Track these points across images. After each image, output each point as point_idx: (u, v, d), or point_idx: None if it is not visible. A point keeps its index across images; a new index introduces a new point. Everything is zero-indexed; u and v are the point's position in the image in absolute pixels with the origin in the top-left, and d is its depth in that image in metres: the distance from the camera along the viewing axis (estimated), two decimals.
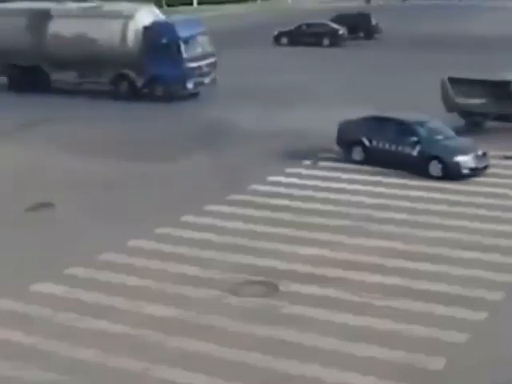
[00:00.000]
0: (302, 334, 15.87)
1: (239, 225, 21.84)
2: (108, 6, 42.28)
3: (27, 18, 41.47)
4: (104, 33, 39.14)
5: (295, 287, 17.97)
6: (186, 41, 38.49)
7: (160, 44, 38.17)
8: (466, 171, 25.30)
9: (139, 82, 39.27)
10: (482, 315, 16.53)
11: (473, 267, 18.60)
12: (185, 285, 18.20)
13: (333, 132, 28.06)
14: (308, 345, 15.46)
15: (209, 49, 39.74)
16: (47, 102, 38.67)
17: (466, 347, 15.39)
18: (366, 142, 27.12)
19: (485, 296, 17.29)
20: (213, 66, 39.46)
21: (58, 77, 40.95)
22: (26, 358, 15.28)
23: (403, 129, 26.50)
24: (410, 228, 21.28)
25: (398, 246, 20.10)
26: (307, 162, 27.73)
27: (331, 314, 16.64)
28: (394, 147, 26.43)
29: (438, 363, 14.79)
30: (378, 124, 27.28)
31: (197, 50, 39.01)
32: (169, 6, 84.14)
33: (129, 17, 39.27)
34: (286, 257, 19.53)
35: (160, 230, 21.58)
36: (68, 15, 41.32)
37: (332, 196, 24.12)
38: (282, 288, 17.95)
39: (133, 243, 20.76)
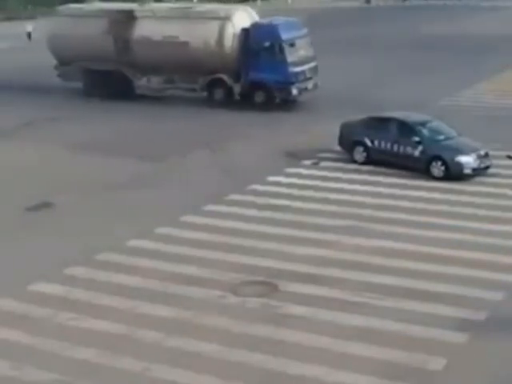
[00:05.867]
0: (302, 333, 15.86)
1: (239, 225, 21.83)
2: (201, 7, 39.80)
3: (108, 19, 38.90)
4: (198, 35, 36.42)
5: (295, 287, 17.95)
6: (290, 43, 35.78)
7: (262, 47, 35.65)
8: (468, 171, 25.28)
9: (236, 88, 36.59)
10: (481, 315, 16.52)
11: (473, 267, 18.58)
12: (185, 285, 18.19)
13: None
14: (307, 345, 15.45)
15: (311, 52, 37.12)
16: (48, 102, 38.68)
17: (466, 347, 15.38)
18: (368, 143, 27.11)
19: (485, 296, 17.27)
20: (315, 70, 36.90)
21: (141, 82, 38.60)
22: (25, 357, 15.27)
23: (405, 129, 26.47)
24: (410, 228, 21.26)
25: (398, 246, 20.08)
26: (307, 162, 27.73)
27: (331, 314, 16.63)
28: (395, 147, 26.42)
29: (437, 363, 14.77)
30: (380, 124, 27.26)
31: (300, 54, 36.35)
32: None
33: (226, 18, 36.58)
34: (286, 257, 19.52)
35: (160, 230, 21.57)
36: (155, 16, 38.62)
37: (332, 196, 24.10)
38: (281, 288, 17.94)
39: (133, 243, 20.76)
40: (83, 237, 21.22)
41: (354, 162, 27.34)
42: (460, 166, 25.25)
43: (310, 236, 20.85)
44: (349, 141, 27.82)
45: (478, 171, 25.50)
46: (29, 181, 26.46)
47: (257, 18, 37.57)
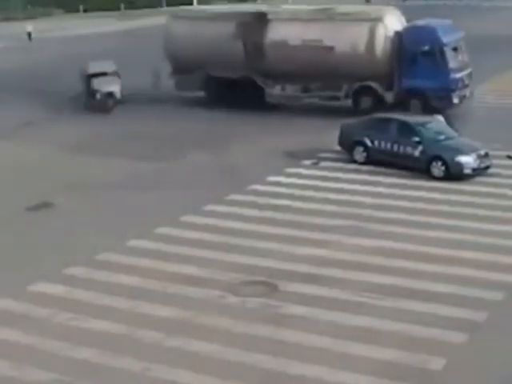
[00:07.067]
0: (302, 333, 15.85)
1: (239, 225, 21.83)
2: (346, 8, 36.47)
3: (237, 22, 35.70)
4: (344, 39, 33.41)
5: (295, 287, 17.95)
6: (452, 47, 33.09)
7: (419, 51, 32.67)
8: (468, 171, 25.27)
9: (388, 97, 33.30)
10: (482, 315, 16.50)
11: (473, 267, 18.56)
12: (184, 285, 18.18)
13: None
14: (307, 345, 15.44)
15: (466, 57, 34.23)
16: (47, 103, 38.68)
17: (466, 347, 15.36)
18: (368, 143, 27.11)
19: (485, 296, 17.25)
20: (470, 76, 33.99)
21: (274, 91, 35.49)
22: (25, 357, 15.26)
23: (405, 129, 26.48)
24: (409, 228, 21.26)
25: (398, 246, 20.07)
26: (307, 162, 27.73)
27: (331, 314, 16.62)
28: (395, 148, 26.42)
29: (437, 363, 14.76)
30: (380, 124, 27.28)
31: (459, 59, 33.55)
32: (168, 5, 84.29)
33: (377, 19, 33.55)
34: (286, 257, 19.51)
35: (160, 230, 21.57)
36: (292, 19, 35.47)
37: (332, 196, 24.10)
38: (281, 288, 17.93)
39: (133, 243, 20.76)
40: (83, 237, 21.22)
41: (354, 162, 27.34)
42: (460, 165, 25.24)
43: (310, 236, 20.85)
44: (349, 141, 27.82)
45: (478, 171, 25.49)
46: (29, 181, 26.48)
47: (404, 20, 34.91)
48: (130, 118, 35.39)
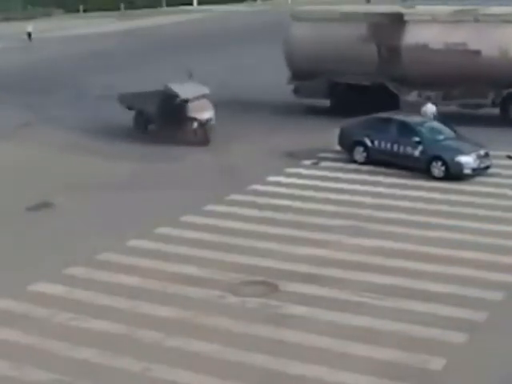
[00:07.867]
0: (302, 333, 15.84)
1: (239, 225, 21.83)
2: (493, 9, 34.19)
3: (369, 24, 33.55)
4: (492, 42, 31.26)
5: (295, 287, 17.94)
6: None
7: None
8: (467, 171, 25.28)
9: None
10: (482, 315, 16.50)
11: (473, 267, 18.57)
12: (184, 285, 18.18)
13: None
14: (308, 345, 15.43)
15: None
16: (47, 103, 38.68)
17: (466, 347, 15.36)
18: (368, 143, 27.12)
19: (485, 296, 17.25)
20: None
21: (410, 98, 32.95)
22: (25, 357, 15.25)
23: (405, 129, 26.50)
24: (410, 228, 21.26)
25: (398, 246, 20.08)
26: (307, 162, 27.74)
27: (331, 314, 16.61)
28: (395, 147, 26.43)
29: (437, 363, 14.75)
30: (380, 124, 27.28)
31: None
32: (168, 5, 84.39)
33: None
34: (286, 257, 19.50)
35: (160, 230, 21.57)
36: (432, 20, 33.15)
37: (332, 196, 24.11)
38: (281, 288, 17.93)
39: (133, 243, 20.75)
40: (83, 237, 21.22)
41: (354, 162, 27.36)
42: (460, 165, 25.26)
43: (310, 236, 20.85)
44: (349, 141, 27.84)
45: (478, 171, 25.51)
46: (29, 181, 26.49)
47: None
48: (129, 117, 35.27)
